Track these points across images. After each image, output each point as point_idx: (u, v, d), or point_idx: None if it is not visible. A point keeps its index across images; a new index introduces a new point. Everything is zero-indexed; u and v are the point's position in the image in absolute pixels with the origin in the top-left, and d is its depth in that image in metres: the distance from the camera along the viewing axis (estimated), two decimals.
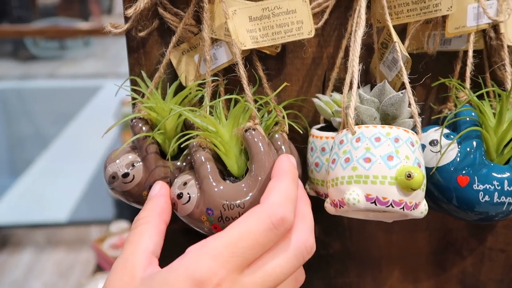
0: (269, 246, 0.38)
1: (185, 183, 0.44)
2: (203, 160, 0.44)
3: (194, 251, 0.37)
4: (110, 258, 1.33)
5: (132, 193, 0.47)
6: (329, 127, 0.50)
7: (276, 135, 0.47)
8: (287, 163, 0.43)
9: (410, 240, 0.59)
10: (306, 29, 0.46)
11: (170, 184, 0.47)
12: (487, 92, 0.49)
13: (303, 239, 0.40)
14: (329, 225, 0.58)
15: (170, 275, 0.36)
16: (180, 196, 0.43)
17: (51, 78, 4.59)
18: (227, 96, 0.46)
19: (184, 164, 0.48)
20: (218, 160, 0.45)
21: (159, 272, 0.37)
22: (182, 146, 0.45)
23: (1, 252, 2.72)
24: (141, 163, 0.47)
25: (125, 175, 0.46)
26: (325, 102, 0.49)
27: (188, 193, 0.43)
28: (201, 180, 0.43)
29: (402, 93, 0.42)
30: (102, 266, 1.37)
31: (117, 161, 0.46)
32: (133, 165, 0.46)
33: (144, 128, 0.47)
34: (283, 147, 0.47)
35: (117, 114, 1.92)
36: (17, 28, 3.24)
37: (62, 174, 3.34)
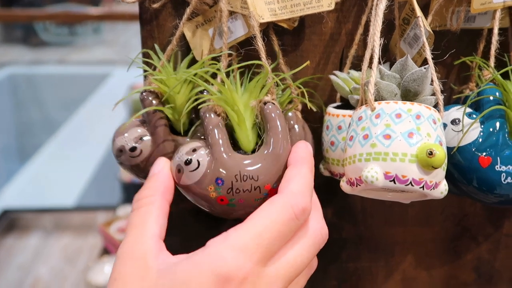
0: (290, 236, 0.37)
1: (194, 150, 0.41)
2: (217, 125, 0.41)
3: (217, 244, 0.35)
4: (117, 241, 1.32)
5: (141, 168, 0.46)
6: (345, 106, 0.49)
7: (290, 113, 0.46)
8: (305, 150, 0.41)
9: (424, 225, 0.57)
10: (325, 1, 0.45)
11: None
12: None
13: (319, 226, 0.40)
14: (342, 207, 0.56)
15: (193, 270, 0.34)
16: (188, 162, 0.41)
17: (61, 64, 4.59)
18: (243, 64, 0.44)
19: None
20: (229, 134, 0.44)
21: (180, 265, 0.35)
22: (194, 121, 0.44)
23: (9, 236, 2.73)
24: (149, 137, 0.45)
25: (133, 149, 0.45)
26: (342, 79, 0.48)
27: (198, 160, 0.41)
28: (213, 147, 0.41)
29: (425, 68, 0.41)
30: (109, 249, 1.37)
31: (125, 134, 0.45)
32: (141, 139, 0.45)
33: (154, 102, 0.46)
34: (296, 126, 0.46)
35: (127, 99, 1.92)
36: (28, 13, 3.23)
37: (70, 159, 3.34)
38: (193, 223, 0.55)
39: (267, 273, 0.36)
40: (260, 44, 0.44)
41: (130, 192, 1.52)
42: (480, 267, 0.59)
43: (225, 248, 0.35)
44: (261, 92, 0.43)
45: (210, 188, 0.41)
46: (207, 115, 0.42)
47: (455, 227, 0.57)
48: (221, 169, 0.40)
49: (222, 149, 0.41)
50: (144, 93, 0.46)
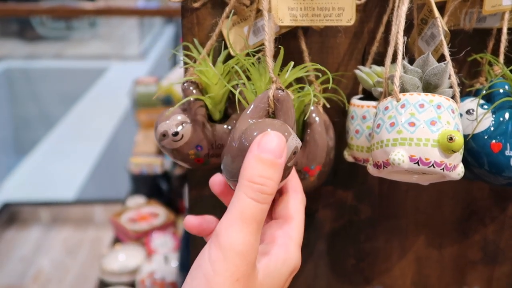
0: None
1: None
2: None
3: (290, 244, 0.43)
4: (129, 231, 1.37)
5: (180, 151, 0.50)
6: (368, 97, 0.54)
7: (312, 107, 0.51)
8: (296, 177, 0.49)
9: (436, 208, 0.62)
10: (346, 17, 0.49)
11: (212, 146, 0.51)
12: None
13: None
14: (360, 192, 0.61)
15: (283, 269, 0.42)
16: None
17: (58, 59, 4.60)
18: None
19: (229, 127, 0.51)
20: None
21: (270, 264, 0.41)
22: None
23: (10, 229, 2.76)
24: (190, 123, 0.50)
25: (175, 133, 0.49)
26: (366, 73, 0.52)
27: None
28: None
29: (444, 64, 0.46)
30: (120, 238, 1.41)
31: (168, 120, 0.50)
32: (182, 125, 0.49)
33: (194, 91, 0.50)
34: (317, 118, 0.50)
35: (131, 93, 1.95)
36: (25, 7, 3.24)
37: (68, 154, 3.37)
38: (224, 205, 0.59)
39: None
40: (267, 45, 0.47)
41: (139, 183, 1.56)
42: (486, 246, 0.64)
43: (295, 247, 0.43)
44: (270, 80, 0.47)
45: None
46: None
47: (463, 210, 0.63)
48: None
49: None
50: (185, 83, 0.51)
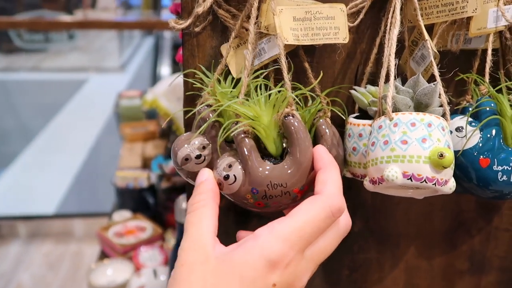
0: (325, 230, 0.45)
1: (230, 165, 0.49)
2: (245, 143, 0.49)
3: (265, 234, 0.43)
4: (115, 245, 1.37)
5: (196, 174, 0.52)
6: (364, 116, 0.56)
7: (321, 120, 0.53)
8: (328, 153, 0.49)
9: (426, 220, 0.65)
10: (341, 35, 0.52)
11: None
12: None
13: (346, 218, 0.48)
14: (354, 205, 0.64)
15: (247, 255, 0.42)
16: (226, 177, 0.49)
17: (36, 71, 4.56)
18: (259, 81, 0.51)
19: None
20: (257, 141, 0.51)
21: (235, 252, 0.43)
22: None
23: None
24: (210, 145, 0.52)
25: (198, 156, 0.51)
26: (361, 93, 0.55)
27: (234, 175, 0.49)
28: (244, 162, 0.49)
29: (434, 84, 0.48)
30: (107, 252, 1.41)
31: (186, 145, 0.51)
32: (203, 148, 0.51)
33: (211, 115, 0.52)
34: (327, 130, 0.53)
35: (115, 107, 1.96)
36: (4, 19, 3.22)
37: (48, 167, 3.34)
38: (224, 220, 0.61)
39: (305, 259, 0.44)
40: (283, 62, 0.51)
41: (125, 197, 1.56)
42: (473, 256, 0.67)
43: (273, 238, 0.42)
44: (282, 105, 0.50)
45: (248, 196, 0.49)
46: (239, 138, 0.49)
47: (452, 222, 0.65)
48: (254, 181, 0.48)
49: (252, 164, 0.48)
50: (202, 108, 0.52)
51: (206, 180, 0.49)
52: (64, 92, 4.23)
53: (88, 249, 2.68)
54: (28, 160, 3.45)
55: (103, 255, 1.40)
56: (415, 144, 0.46)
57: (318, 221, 0.44)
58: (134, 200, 1.55)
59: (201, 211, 0.46)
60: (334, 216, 0.45)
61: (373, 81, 0.57)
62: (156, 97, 1.55)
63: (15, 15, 4.33)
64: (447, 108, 0.50)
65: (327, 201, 0.45)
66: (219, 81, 0.53)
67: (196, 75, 0.55)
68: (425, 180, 0.46)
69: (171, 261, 1.05)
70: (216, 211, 0.47)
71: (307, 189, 0.53)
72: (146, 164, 1.73)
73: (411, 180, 0.46)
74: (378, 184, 0.48)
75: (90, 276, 1.23)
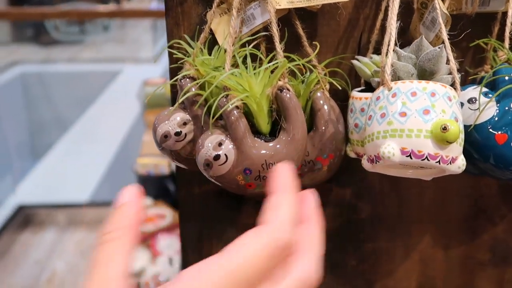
0: (269, 273, 0.33)
1: (220, 144, 0.44)
2: (239, 120, 0.44)
3: (190, 278, 0.32)
4: None
5: (180, 153, 0.48)
6: (369, 90, 0.51)
7: (318, 93, 0.48)
8: (289, 174, 0.36)
9: (441, 206, 0.59)
10: None
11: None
12: None
13: (310, 269, 0.34)
14: (360, 188, 0.58)
15: None
16: (217, 157, 0.44)
17: (72, 62, 4.63)
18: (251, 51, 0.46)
19: None
20: (246, 117, 0.46)
21: None
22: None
23: (24, 231, 2.77)
24: (191, 121, 0.47)
25: (178, 133, 0.47)
26: (364, 63, 0.49)
27: (226, 154, 0.44)
28: (238, 141, 0.44)
29: (439, 48, 0.42)
30: None
31: (167, 121, 0.47)
32: (184, 124, 0.47)
33: (193, 88, 0.48)
34: (325, 106, 0.48)
35: (140, 95, 1.94)
36: (39, 10, 3.27)
37: (83, 156, 3.39)
38: (215, 204, 0.57)
39: None
40: (275, 30, 0.46)
41: (146, 184, 1.54)
42: (496, 246, 0.60)
43: (200, 285, 0.32)
44: (274, 77, 0.45)
45: (239, 177, 0.44)
46: (229, 112, 0.44)
47: (470, 208, 0.59)
48: (248, 161, 0.43)
49: (247, 142, 0.44)
50: (182, 80, 0.48)
51: (125, 204, 0.37)
52: (99, 83, 4.28)
53: None
54: (63, 149, 3.51)
55: None
56: (415, 116, 0.40)
57: (259, 261, 0.32)
58: (155, 187, 1.53)
59: (111, 246, 0.35)
60: (281, 255, 0.33)
61: (380, 51, 0.51)
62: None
63: (51, 6, 4.40)
64: (457, 75, 0.43)
65: (274, 233, 0.33)
66: (202, 51, 0.49)
67: (180, 46, 0.50)
68: (427, 157, 0.40)
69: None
70: (131, 244, 0.35)
71: (300, 168, 0.48)
72: None
73: (411, 158, 0.40)
74: (376, 162, 0.43)
75: None
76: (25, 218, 2.83)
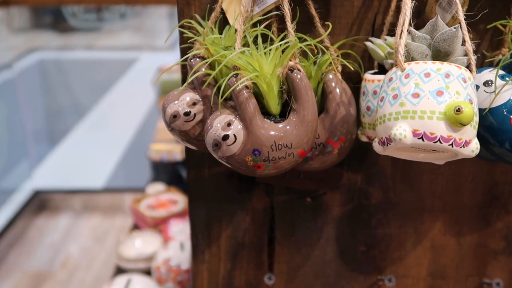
0: None
1: (229, 124, 0.44)
2: (248, 100, 0.44)
3: None
4: (147, 217, 1.36)
5: (189, 134, 0.48)
6: (383, 72, 0.50)
7: (330, 75, 0.47)
8: None
9: (454, 193, 0.58)
10: None
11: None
12: None
13: None
14: (371, 174, 0.57)
15: None
16: (225, 137, 0.43)
17: (89, 50, 4.66)
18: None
19: None
20: (256, 98, 0.45)
21: None
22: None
23: (40, 216, 2.81)
24: (201, 101, 0.47)
25: (187, 113, 0.46)
26: (378, 45, 0.48)
27: (235, 134, 0.43)
28: (248, 121, 0.43)
29: (455, 28, 0.41)
30: (139, 225, 1.40)
31: (176, 101, 0.47)
32: (193, 104, 0.47)
33: (203, 68, 0.47)
34: (337, 88, 0.47)
35: (156, 81, 1.94)
36: None
37: (99, 142, 3.42)
38: (226, 186, 0.56)
39: None
40: (286, 9, 0.45)
41: (159, 170, 1.55)
42: (510, 235, 0.59)
43: None
44: (285, 57, 0.44)
45: (248, 158, 0.43)
46: (239, 92, 0.44)
47: (484, 195, 0.58)
48: (258, 142, 0.43)
49: (257, 122, 0.43)
50: (192, 60, 0.47)
51: None
52: (116, 70, 4.31)
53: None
54: (79, 135, 3.55)
55: (135, 228, 1.39)
56: (428, 97, 0.39)
57: None
58: (168, 173, 1.53)
59: None
60: None
61: (394, 33, 0.50)
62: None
63: None
64: (473, 57, 0.42)
65: None
66: (212, 30, 0.48)
67: (191, 26, 0.50)
68: (439, 139, 0.39)
69: None
70: None
71: (310, 150, 0.47)
72: None
73: (423, 140, 0.39)
74: (387, 145, 0.42)
75: (118, 248, 1.22)
76: (40, 203, 2.87)
